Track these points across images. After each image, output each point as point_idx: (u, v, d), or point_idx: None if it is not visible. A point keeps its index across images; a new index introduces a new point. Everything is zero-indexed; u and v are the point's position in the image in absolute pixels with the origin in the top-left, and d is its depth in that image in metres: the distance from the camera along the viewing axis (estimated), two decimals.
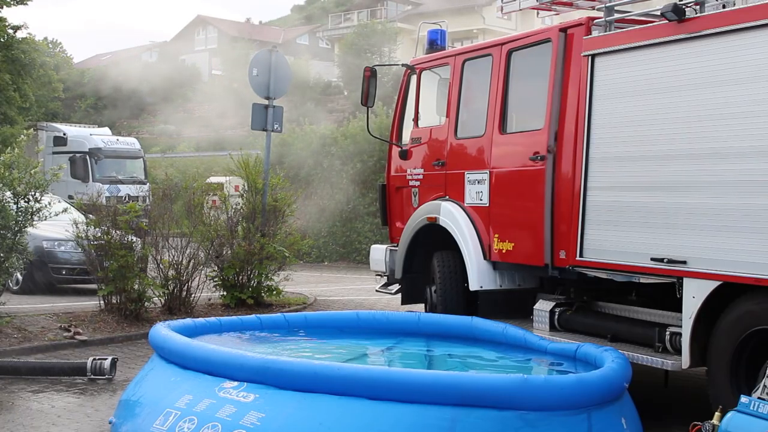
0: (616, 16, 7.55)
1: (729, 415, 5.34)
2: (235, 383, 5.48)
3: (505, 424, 5.04)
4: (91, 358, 8.38)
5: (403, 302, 9.88)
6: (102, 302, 11.16)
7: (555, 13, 8.99)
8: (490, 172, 8.51)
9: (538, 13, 9.09)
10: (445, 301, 8.86)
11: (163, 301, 11.54)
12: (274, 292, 12.78)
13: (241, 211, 12.58)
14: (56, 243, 13.77)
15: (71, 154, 25.61)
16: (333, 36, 60.68)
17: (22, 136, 10.12)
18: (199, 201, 12.19)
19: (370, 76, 9.64)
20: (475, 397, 5.08)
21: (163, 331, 6.49)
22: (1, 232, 9.41)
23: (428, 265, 9.21)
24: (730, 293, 6.34)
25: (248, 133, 27.51)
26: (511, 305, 8.46)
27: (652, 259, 6.80)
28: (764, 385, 5.51)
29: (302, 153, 22.17)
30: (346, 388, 5.18)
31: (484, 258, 8.50)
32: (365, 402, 5.09)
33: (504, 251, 8.34)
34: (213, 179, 21.26)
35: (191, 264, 11.59)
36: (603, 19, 7.52)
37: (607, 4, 7.58)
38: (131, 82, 46.91)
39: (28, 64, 29.26)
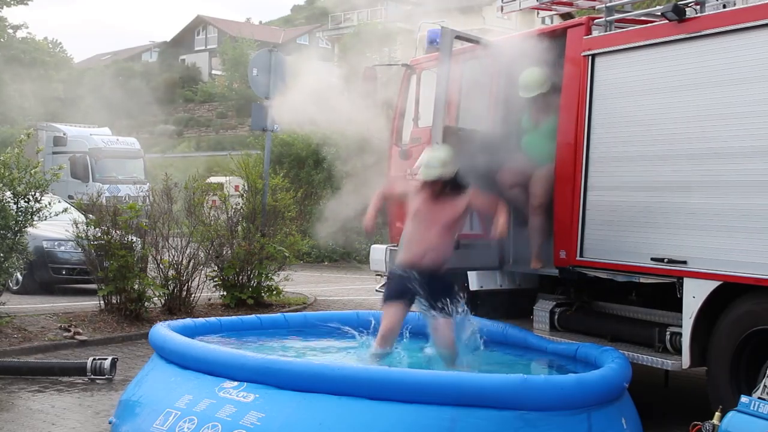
0: (616, 16, 7.55)
1: (729, 415, 5.35)
2: (235, 383, 5.48)
3: (505, 424, 5.05)
4: (91, 358, 8.37)
5: None
6: (102, 302, 11.15)
7: (555, 12, 8.98)
8: None
9: (538, 13, 9.08)
10: None
11: (163, 301, 11.54)
12: (274, 292, 12.78)
13: (241, 211, 12.58)
14: (56, 243, 13.76)
15: (71, 154, 25.59)
16: (333, 36, 60.65)
17: (22, 135, 10.11)
18: (199, 201, 12.18)
19: (370, 76, 9.63)
20: (475, 397, 5.08)
21: (163, 331, 6.49)
22: (1, 232, 9.41)
23: None
24: (730, 293, 6.34)
25: (248, 133, 27.53)
26: (511, 305, 8.45)
27: (652, 259, 6.80)
28: (764, 385, 5.51)
29: (302, 153, 22.15)
30: (346, 388, 5.18)
31: None
32: (365, 402, 5.10)
33: None
34: (213, 179, 21.26)
35: (191, 264, 11.59)
36: (603, 19, 7.52)
37: (607, 4, 7.58)
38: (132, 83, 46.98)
39: (28, 64, 29.22)
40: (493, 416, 5.04)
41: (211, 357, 5.88)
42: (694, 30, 6.55)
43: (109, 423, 6.17)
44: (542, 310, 8.02)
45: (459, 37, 8.16)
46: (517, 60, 8.04)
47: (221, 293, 12.38)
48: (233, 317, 7.90)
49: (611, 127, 7.23)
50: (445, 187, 6.83)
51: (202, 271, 11.89)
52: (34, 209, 9.58)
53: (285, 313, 8.36)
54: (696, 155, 6.52)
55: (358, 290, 15.82)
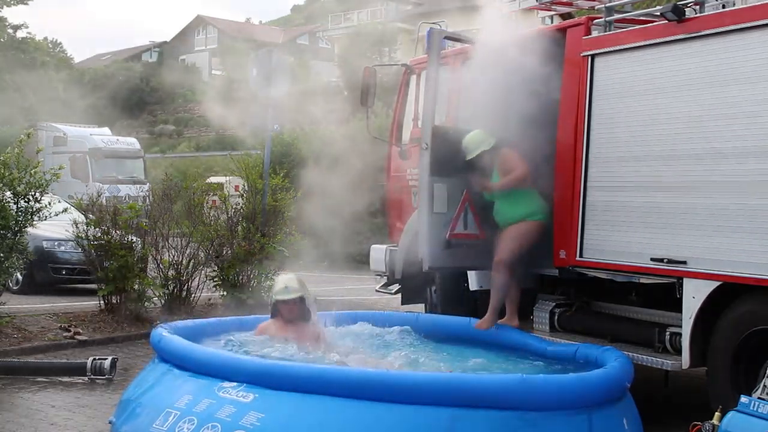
0: (616, 16, 7.55)
1: (729, 415, 5.34)
2: (235, 383, 5.47)
3: (505, 424, 5.04)
4: (91, 358, 8.38)
5: (403, 302, 9.88)
6: (102, 302, 11.15)
7: (554, 12, 8.98)
8: None
9: (537, 13, 9.09)
10: (445, 301, 8.85)
11: (163, 301, 11.54)
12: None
13: (241, 211, 12.58)
14: (56, 243, 13.76)
15: (71, 154, 25.58)
16: (333, 36, 60.64)
17: (22, 135, 10.12)
18: (199, 201, 12.18)
19: (370, 76, 9.63)
20: (475, 397, 5.07)
21: (165, 334, 6.48)
22: (1, 232, 9.41)
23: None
24: (730, 293, 6.34)
25: (248, 133, 27.53)
26: None
27: (652, 260, 6.80)
28: (764, 385, 5.51)
29: (302, 153, 22.16)
30: (346, 391, 5.17)
31: None
32: (365, 402, 5.09)
33: None
34: (213, 179, 21.27)
35: (191, 264, 11.59)
36: (603, 19, 7.52)
37: (606, 4, 7.58)
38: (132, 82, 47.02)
39: (28, 64, 29.19)
40: (493, 416, 5.03)
41: (212, 360, 5.88)
42: (694, 30, 6.55)
43: (109, 423, 6.17)
44: (542, 310, 8.02)
45: (449, 38, 8.14)
46: (509, 58, 8.00)
47: (221, 293, 12.37)
48: (233, 317, 7.87)
49: (611, 127, 7.23)
50: None
51: (202, 271, 11.89)
52: (34, 209, 9.59)
53: None
54: (696, 155, 6.51)
55: (358, 290, 15.81)
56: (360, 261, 20.16)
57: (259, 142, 21.63)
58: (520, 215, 7.54)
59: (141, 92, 51.51)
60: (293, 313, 6.62)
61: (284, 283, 6.69)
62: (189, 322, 7.27)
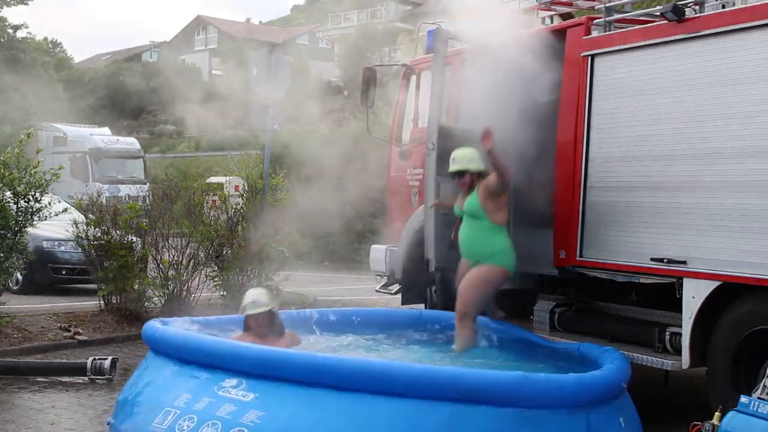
0: (616, 16, 7.55)
1: (729, 415, 5.35)
2: (234, 381, 5.46)
3: (504, 421, 5.04)
4: (91, 358, 8.38)
5: (404, 302, 9.87)
6: (102, 302, 11.16)
7: (555, 12, 8.98)
8: None
9: (537, 13, 9.08)
10: (446, 301, 8.83)
11: (163, 301, 11.54)
12: (274, 292, 12.75)
13: (241, 211, 12.58)
14: (56, 243, 13.76)
15: (71, 154, 25.58)
16: (333, 36, 60.68)
17: (22, 135, 10.13)
18: (199, 201, 12.19)
19: (370, 76, 9.63)
20: (474, 393, 5.07)
21: (158, 325, 6.48)
22: (1, 232, 9.42)
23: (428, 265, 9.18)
24: (730, 293, 6.34)
25: (248, 133, 27.57)
26: (511, 305, 8.45)
27: (651, 259, 6.80)
28: (764, 385, 5.51)
29: (302, 153, 22.14)
30: (346, 381, 5.17)
31: None
32: (364, 399, 5.08)
33: None
34: (213, 179, 21.25)
35: (191, 264, 11.59)
36: (603, 19, 7.52)
37: (606, 4, 7.58)
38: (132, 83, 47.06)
39: (28, 64, 29.19)
40: (492, 413, 5.03)
41: (210, 348, 5.86)
42: (694, 30, 6.56)
43: (108, 424, 6.17)
44: (542, 310, 8.02)
45: (453, 38, 8.14)
46: (512, 58, 7.98)
47: (221, 293, 12.37)
48: (232, 316, 7.87)
49: (611, 127, 7.23)
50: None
51: (202, 271, 11.89)
52: (34, 209, 9.60)
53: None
54: (695, 155, 6.52)
55: (359, 290, 15.82)
56: (359, 261, 20.19)
57: (257, 143, 21.68)
58: (484, 253, 7.20)
59: (140, 92, 51.52)
60: (262, 326, 6.65)
61: (252, 297, 6.77)
62: (185, 320, 7.24)
